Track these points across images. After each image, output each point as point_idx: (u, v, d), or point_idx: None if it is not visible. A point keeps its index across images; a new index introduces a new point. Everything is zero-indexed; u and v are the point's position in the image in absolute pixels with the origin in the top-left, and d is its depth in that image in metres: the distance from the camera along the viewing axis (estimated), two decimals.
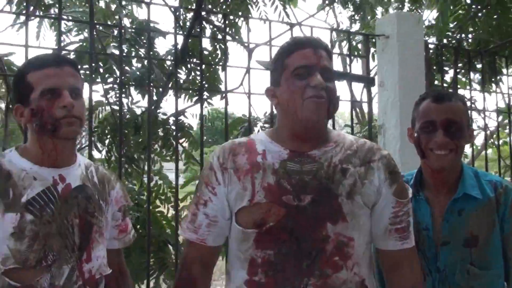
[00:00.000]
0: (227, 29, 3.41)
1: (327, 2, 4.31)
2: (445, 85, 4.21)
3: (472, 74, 4.55)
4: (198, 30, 2.80)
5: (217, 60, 3.61)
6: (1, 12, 2.78)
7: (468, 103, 4.28)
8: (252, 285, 1.48)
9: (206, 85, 3.55)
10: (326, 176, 1.49)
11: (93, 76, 2.87)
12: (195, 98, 3.55)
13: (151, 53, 3.05)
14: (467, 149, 4.63)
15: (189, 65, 3.44)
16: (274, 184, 1.48)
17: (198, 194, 1.59)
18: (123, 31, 2.69)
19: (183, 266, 1.62)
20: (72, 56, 3.01)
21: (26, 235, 1.49)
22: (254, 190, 1.49)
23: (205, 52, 3.54)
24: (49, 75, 1.53)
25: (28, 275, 1.48)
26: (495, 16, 3.99)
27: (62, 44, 2.95)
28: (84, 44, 2.89)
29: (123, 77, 2.84)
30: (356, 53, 4.98)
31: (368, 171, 1.53)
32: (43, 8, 3.39)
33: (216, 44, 3.35)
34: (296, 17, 6.30)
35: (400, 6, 4.93)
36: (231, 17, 3.55)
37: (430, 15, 4.79)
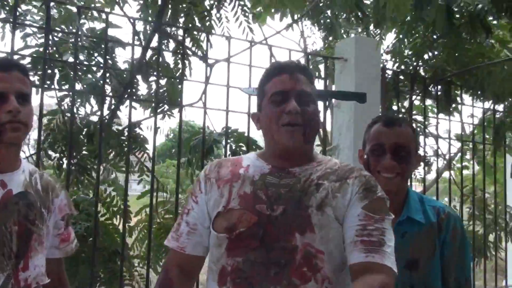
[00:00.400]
0: (189, 43, 3.42)
1: (296, 18, 4.34)
2: (402, 110, 4.33)
3: (428, 100, 4.68)
4: (158, 42, 2.81)
5: (178, 74, 3.61)
6: None
7: (422, 129, 4.41)
8: None
9: (165, 98, 3.54)
10: (300, 189, 1.51)
11: (48, 82, 2.83)
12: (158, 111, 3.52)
13: (110, 62, 3.03)
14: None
15: (149, 78, 3.43)
16: (250, 193, 1.52)
17: (184, 205, 1.66)
18: (79, 39, 2.67)
19: (162, 270, 1.67)
20: (26, 61, 2.97)
21: None
22: (230, 197, 1.53)
23: (169, 66, 3.54)
24: None
25: None
26: (450, 46, 4.13)
27: (18, 48, 2.91)
28: (40, 49, 2.85)
29: (76, 85, 2.81)
30: (316, 74, 5.06)
31: (342, 185, 1.52)
32: (6, 9, 3.32)
33: (176, 58, 3.35)
34: (264, 34, 6.33)
35: (364, 29, 5.04)
36: (194, 32, 3.56)
37: (391, 40, 4.91)
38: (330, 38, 5.12)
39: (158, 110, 3.32)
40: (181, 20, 3.53)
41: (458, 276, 1.85)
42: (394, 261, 1.44)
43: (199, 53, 3.37)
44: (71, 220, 1.79)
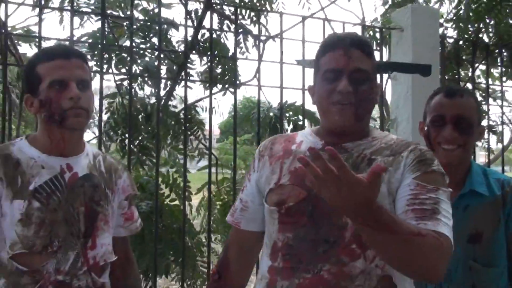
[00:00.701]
0: (239, 21, 3.40)
1: None
2: (464, 79, 4.17)
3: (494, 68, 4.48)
4: (210, 22, 2.83)
5: (241, 51, 3.60)
6: (15, 4, 2.84)
7: (486, 97, 4.23)
8: (272, 271, 1.50)
9: (223, 77, 3.54)
10: (352, 164, 1.46)
11: (105, 66, 2.92)
12: (216, 89, 3.53)
13: (164, 44, 3.08)
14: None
15: (204, 57, 3.46)
16: (300, 169, 1.48)
17: (243, 181, 1.71)
18: (134, 24, 2.73)
19: (225, 247, 1.75)
20: (84, 47, 3.08)
21: (33, 221, 1.54)
22: (280, 174, 1.54)
23: (225, 45, 3.55)
24: (57, 67, 1.57)
25: (35, 260, 1.54)
26: None
27: (77, 36, 3.03)
28: (98, 35, 2.94)
29: (134, 68, 2.89)
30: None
31: (395, 159, 1.46)
32: None
33: (234, 36, 3.34)
34: (321, 4, 6.16)
35: None
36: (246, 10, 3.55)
37: (450, 7, 4.70)
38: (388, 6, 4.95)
39: (215, 90, 3.35)
40: None
41: None
42: (451, 232, 1.33)
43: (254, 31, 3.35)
44: (134, 200, 1.86)
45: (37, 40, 2.47)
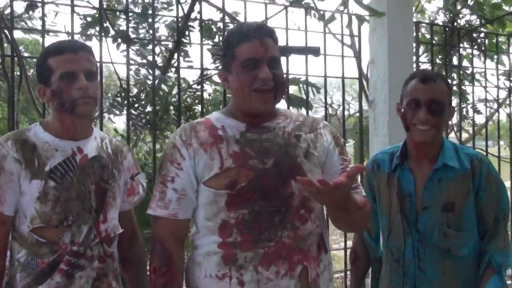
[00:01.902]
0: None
1: None
2: (437, 62, 4.37)
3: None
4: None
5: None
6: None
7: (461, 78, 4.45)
8: (226, 246, 1.60)
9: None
10: (283, 141, 1.68)
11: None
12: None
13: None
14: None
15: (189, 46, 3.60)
16: (239, 151, 1.64)
17: (164, 173, 1.69)
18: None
19: (157, 242, 1.68)
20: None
21: (49, 199, 1.70)
22: (222, 158, 1.62)
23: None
24: (67, 60, 1.73)
25: (52, 233, 1.71)
26: None
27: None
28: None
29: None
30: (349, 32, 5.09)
31: (317, 136, 1.75)
32: None
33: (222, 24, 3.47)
34: None
35: None
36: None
37: None
38: None
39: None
40: None
41: (496, 214, 2.01)
42: None
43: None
44: (137, 178, 2.00)
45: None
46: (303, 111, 3.68)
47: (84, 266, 1.75)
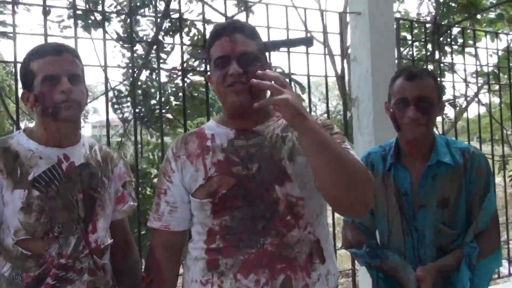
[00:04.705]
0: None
1: None
2: (417, 57, 4.41)
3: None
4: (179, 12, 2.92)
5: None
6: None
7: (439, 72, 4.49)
8: (211, 252, 1.58)
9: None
10: (269, 145, 1.60)
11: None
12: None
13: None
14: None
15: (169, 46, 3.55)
16: (223, 159, 1.60)
17: (159, 185, 1.70)
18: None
19: (149, 252, 1.72)
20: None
21: (33, 209, 1.62)
22: (206, 168, 1.60)
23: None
24: (49, 63, 1.65)
25: (38, 245, 1.63)
26: None
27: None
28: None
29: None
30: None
31: None
32: None
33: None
34: None
35: None
36: None
37: None
38: None
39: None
40: None
41: (483, 209, 1.98)
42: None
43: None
44: (129, 186, 1.93)
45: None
46: None
47: (73, 279, 1.67)
